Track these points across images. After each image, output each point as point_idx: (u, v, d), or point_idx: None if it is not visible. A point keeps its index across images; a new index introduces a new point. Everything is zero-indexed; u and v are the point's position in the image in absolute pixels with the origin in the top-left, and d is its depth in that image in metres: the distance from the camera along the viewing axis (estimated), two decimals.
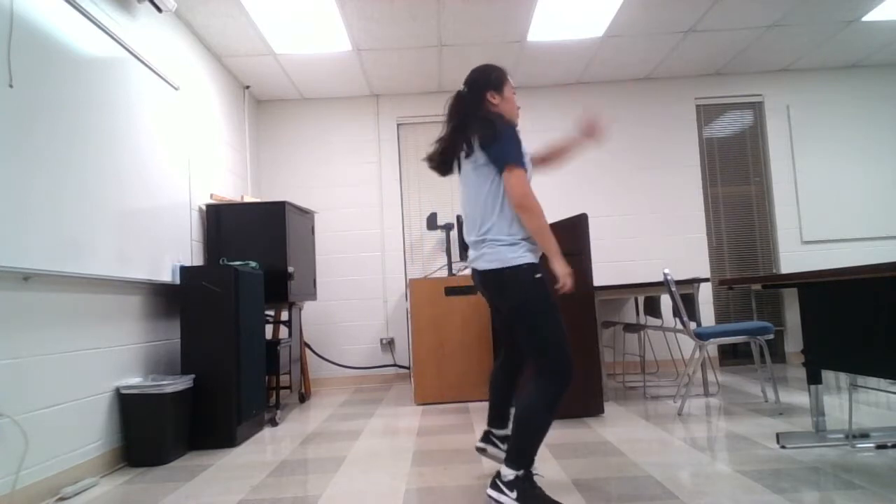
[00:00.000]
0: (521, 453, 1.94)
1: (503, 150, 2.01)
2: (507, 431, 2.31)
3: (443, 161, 2.20)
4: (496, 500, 1.93)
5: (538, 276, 2.01)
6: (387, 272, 5.35)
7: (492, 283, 2.07)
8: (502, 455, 2.27)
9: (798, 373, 4.72)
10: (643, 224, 5.38)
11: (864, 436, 2.57)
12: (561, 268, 2.00)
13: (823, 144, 5.40)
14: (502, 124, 2.05)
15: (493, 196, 2.06)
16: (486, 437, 2.35)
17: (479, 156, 2.07)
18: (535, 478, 1.98)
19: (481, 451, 2.34)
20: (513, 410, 2.05)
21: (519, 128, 2.13)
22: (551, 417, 1.96)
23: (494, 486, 1.96)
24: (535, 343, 2.00)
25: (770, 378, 4.24)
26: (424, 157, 2.27)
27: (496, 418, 2.34)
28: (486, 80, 2.18)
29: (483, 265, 2.07)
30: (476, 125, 2.08)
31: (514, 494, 1.91)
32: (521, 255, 2.01)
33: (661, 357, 5.26)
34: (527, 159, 2.09)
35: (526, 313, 2.00)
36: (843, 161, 5.37)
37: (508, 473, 1.93)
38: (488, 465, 2.51)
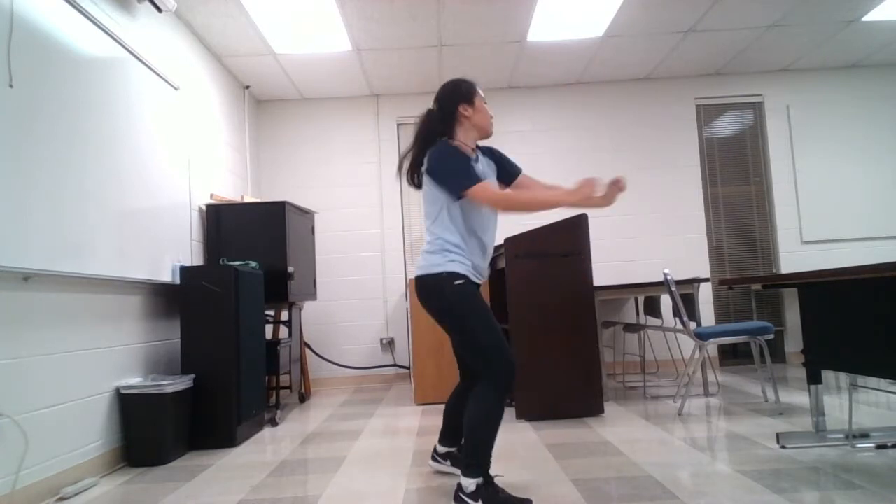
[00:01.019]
0: (476, 461, 1.96)
1: (450, 183, 2.05)
2: (453, 449, 2.40)
3: (412, 176, 2.25)
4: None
5: (458, 282, 2.04)
6: (387, 272, 5.35)
7: (418, 290, 2.13)
8: (442, 467, 2.41)
9: (798, 373, 4.72)
10: (643, 224, 5.38)
11: (864, 436, 2.57)
12: (577, 196, 1.95)
13: (823, 144, 5.40)
14: (446, 158, 2.08)
15: (431, 204, 2.14)
16: (434, 455, 2.47)
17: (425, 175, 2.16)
18: (496, 479, 2.01)
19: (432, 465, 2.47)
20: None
21: (492, 136, 2.24)
22: (498, 420, 1.98)
23: (458, 498, 1.97)
24: (467, 348, 2.05)
25: (770, 378, 4.24)
26: (400, 170, 2.30)
27: (446, 436, 2.41)
28: (457, 94, 2.20)
29: (414, 273, 2.16)
30: (428, 156, 2.13)
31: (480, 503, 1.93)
32: (445, 264, 2.05)
33: (661, 357, 5.26)
34: (484, 174, 2.15)
35: (451, 320, 2.06)
36: (843, 161, 5.37)
37: (469, 484, 1.94)
38: None
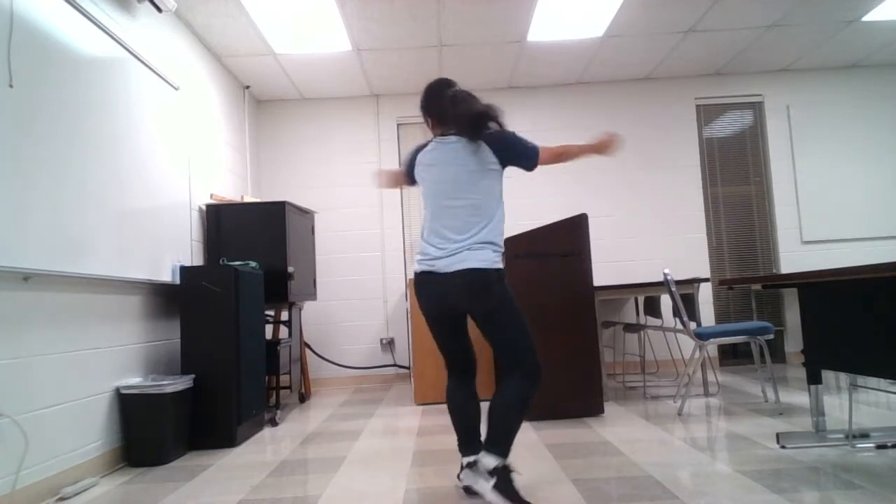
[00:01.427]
0: (503, 443, 1.99)
1: (529, 151, 2.15)
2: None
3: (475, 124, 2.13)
4: (473, 486, 2.01)
5: (506, 279, 2.12)
6: (387, 272, 5.35)
7: (476, 283, 2.03)
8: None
9: (798, 373, 4.71)
10: (643, 224, 5.38)
11: (864, 436, 2.57)
12: (595, 147, 2.19)
13: (823, 144, 5.40)
14: (512, 133, 2.16)
15: (497, 201, 2.14)
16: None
17: (487, 158, 2.10)
18: (513, 475, 2.01)
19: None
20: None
21: None
22: (526, 411, 2.05)
23: (472, 467, 2.02)
24: (514, 343, 2.06)
25: (770, 378, 4.24)
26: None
27: (472, 443, 2.17)
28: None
29: (470, 264, 2.02)
30: (496, 147, 2.13)
31: (493, 481, 1.95)
32: (500, 262, 2.11)
33: (661, 357, 5.26)
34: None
35: (505, 314, 2.06)
36: (843, 161, 5.37)
37: (490, 462, 1.97)
38: None
